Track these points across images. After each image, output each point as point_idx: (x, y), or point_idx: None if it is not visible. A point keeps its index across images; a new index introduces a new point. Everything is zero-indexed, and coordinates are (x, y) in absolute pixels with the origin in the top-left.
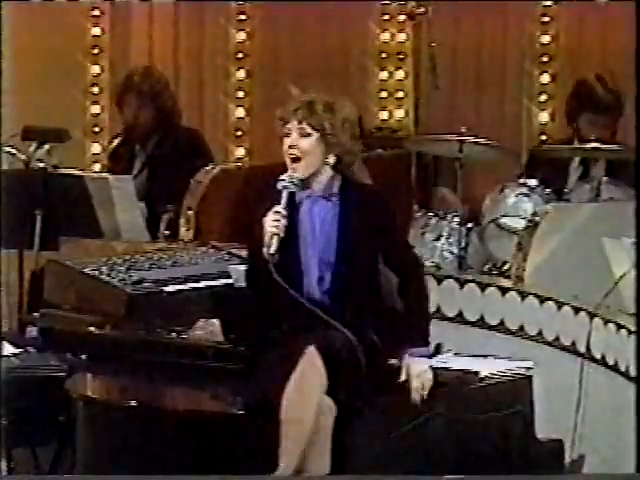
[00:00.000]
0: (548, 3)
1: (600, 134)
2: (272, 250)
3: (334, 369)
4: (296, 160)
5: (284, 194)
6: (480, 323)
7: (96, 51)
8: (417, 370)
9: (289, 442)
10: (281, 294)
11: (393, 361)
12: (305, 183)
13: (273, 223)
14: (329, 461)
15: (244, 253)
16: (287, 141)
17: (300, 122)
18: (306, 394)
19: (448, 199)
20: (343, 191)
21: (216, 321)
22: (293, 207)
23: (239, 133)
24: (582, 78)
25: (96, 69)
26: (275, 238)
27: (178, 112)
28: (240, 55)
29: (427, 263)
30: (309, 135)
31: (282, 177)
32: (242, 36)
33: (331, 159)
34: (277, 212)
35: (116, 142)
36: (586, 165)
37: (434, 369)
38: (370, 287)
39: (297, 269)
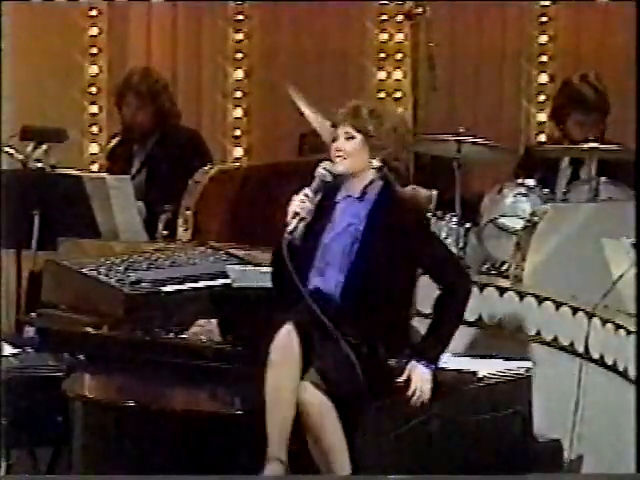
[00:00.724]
0: (546, 3)
1: (589, 134)
2: (290, 228)
3: (329, 382)
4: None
5: (317, 180)
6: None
7: (94, 51)
8: (420, 376)
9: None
10: (293, 290)
11: (392, 362)
12: (345, 182)
13: (299, 203)
14: (347, 461)
15: (242, 253)
16: (334, 145)
17: (345, 125)
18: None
19: (419, 195)
20: (380, 196)
21: (214, 320)
22: (331, 206)
23: (237, 133)
24: (567, 79)
25: (94, 69)
26: (297, 218)
27: (176, 112)
28: (238, 55)
29: None
30: (353, 138)
31: (322, 164)
32: (240, 36)
33: (375, 162)
34: (305, 195)
35: (114, 142)
36: (575, 165)
37: None
38: (388, 294)
39: (318, 266)
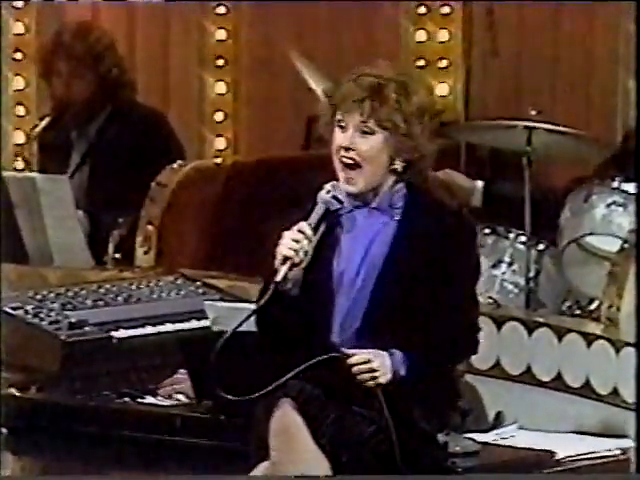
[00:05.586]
0: None
1: None
2: (278, 278)
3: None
4: (352, 167)
5: (319, 209)
6: (557, 384)
7: (19, 5)
8: (381, 357)
9: None
10: (295, 340)
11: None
12: (360, 197)
13: (290, 244)
14: None
15: (225, 284)
16: (339, 137)
17: (362, 115)
18: None
19: (455, 185)
20: (410, 205)
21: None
22: (335, 219)
23: (219, 117)
24: None
25: (19, 27)
26: (287, 264)
27: (128, 83)
28: (221, 10)
29: (482, 299)
30: (372, 133)
31: (327, 186)
32: None
33: (399, 165)
34: (301, 231)
35: (42, 125)
36: None
37: (493, 446)
38: (424, 342)
39: (327, 303)
